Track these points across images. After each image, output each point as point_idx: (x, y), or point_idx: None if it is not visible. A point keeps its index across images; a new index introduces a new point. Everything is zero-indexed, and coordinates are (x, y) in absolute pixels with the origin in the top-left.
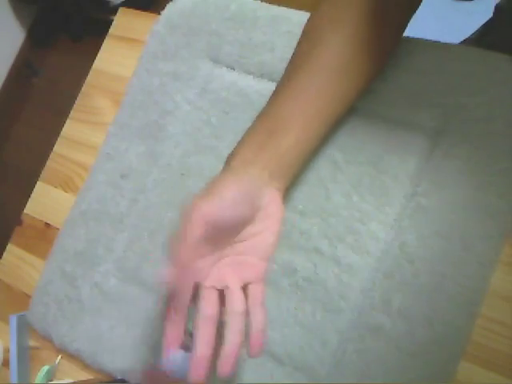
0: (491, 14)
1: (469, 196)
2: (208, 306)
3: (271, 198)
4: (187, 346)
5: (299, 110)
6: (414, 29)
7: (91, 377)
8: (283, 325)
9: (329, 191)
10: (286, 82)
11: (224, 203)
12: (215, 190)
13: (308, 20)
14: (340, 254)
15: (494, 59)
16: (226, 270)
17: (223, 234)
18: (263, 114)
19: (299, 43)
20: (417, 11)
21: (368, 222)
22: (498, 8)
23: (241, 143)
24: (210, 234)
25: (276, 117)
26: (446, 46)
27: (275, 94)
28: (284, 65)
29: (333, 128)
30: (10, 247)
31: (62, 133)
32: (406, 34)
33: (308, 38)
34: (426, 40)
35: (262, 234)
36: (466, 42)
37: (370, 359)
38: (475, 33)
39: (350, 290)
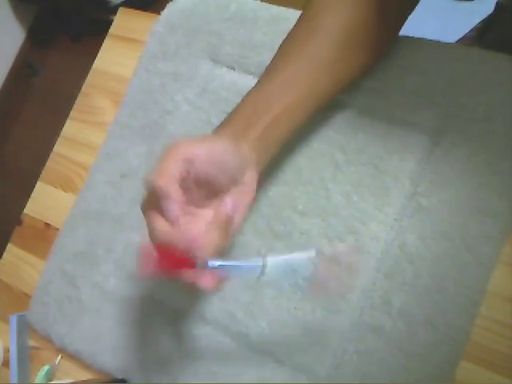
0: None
1: (469, 196)
2: None
3: (251, 174)
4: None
5: (289, 84)
6: (414, 29)
7: (91, 377)
8: (283, 325)
9: (329, 191)
10: (279, 60)
11: (203, 150)
12: (197, 138)
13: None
14: None
15: (493, 59)
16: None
17: (199, 187)
18: (253, 88)
19: (296, 25)
20: (417, 11)
21: (368, 221)
22: (498, 5)
23: (228, 117)
24: (186, 177)
25: (264, 91)
26: (446, 46)
27: (267, 70)
28: None
29: (321, 109)
30: (10, 247)
31: (62, 133)
32: (406, 33)
33: (306, 19)
34: (426, 40)
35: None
36: (466, 39)
37: (371, 359)
38: (475, 30)
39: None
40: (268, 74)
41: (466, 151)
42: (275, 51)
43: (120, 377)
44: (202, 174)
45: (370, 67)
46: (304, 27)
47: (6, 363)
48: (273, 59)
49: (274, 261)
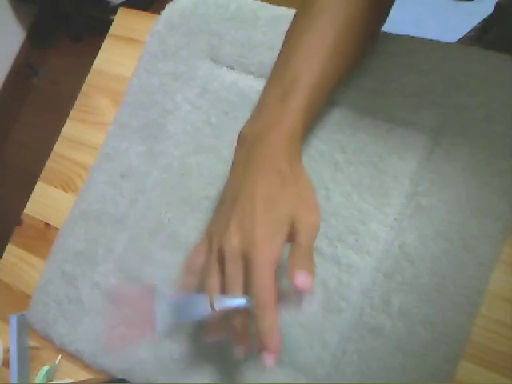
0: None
1: (469, 196)
2: None
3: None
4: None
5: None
6: (414, 29)
7: (91, 377)
8: (283, 325)
9: (329, 191)
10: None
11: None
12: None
13: None
14: (340, 253)
15: (494, 59)
16: None
17: None
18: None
19: (296, 18)
20: (417, 11)
21: (368, 221)
22: (498, 5)
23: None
24: None
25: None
26: (446, 46)
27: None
28: None
29: (331, 95)
30: (10, 247)
31: (62, 133)
32: (406, 33)
33: (305, 13)
34: (426, 40)
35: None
36: (466, 39)
37: (370, 359)
38: (475, 30)
39: (350, 290)
40: (280, 64)
41: (466, 151)
42: (275, 51)
43: (120, 377)
44: None
45: (365, 53)
46: (303, 18)
47: (6, 363)
48: (283, 48)
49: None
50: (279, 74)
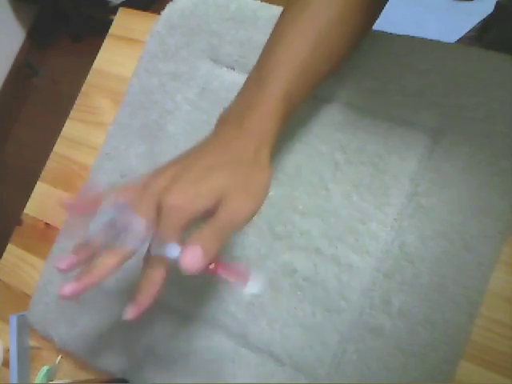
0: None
1: (469, 196)
2: None
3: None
4: None
5: (287, 59)
6: (414, 29)
7: (91, 377)
8: (283, 325)
9: (329, 191)
10: (278, 30)
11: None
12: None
13: None
14: (340, 253)
15: (493, 59)
16: None
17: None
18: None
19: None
20: (417, 11)
21: (368, 221)
22: (498, 5)
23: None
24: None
25: (264, 67)
26: (446, 46)
27: (263, 50)
28: None
29: (317, 87)
30: (9, 247)
31: (62, 133)
32: (406, 33)
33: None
34: (426, 40)
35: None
36: (466, 39)
37: (370, 359)
38: (475, 30)
39: (350, 290)
40: (264, 53)
41: (466, 151)
42: None
43: (120, 377)
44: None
45: (356, 45)
46: (292, 9)
47: (6, 363)
48: (269, 38)
49: None
50: (260, 62)
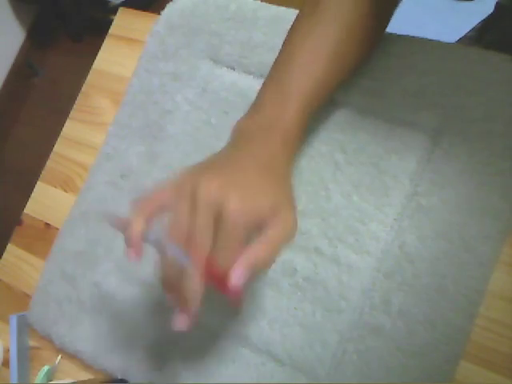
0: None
1: (469, 196)
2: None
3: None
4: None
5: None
6: (414, 29)
7: (91, 377)
8: (283, 325)
9: (329, 191)
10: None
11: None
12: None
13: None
14: (340, 253)
15: (493, 59)
16: None
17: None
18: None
19: (297, 21)
20: (417, 11)
21: (368, 221)
22: (498, 5)
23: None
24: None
25: (283, 82)
26: (446, 46)
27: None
28: None
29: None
30: (10, 247)
31: (61, 133)
32: (406, 33)
33: (307, 14)
34: (426, 40)
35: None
36: (466, 39)
37: (370, 359)
38: (475, 30)
39: (350, 290)
40: (280, 62)
41: (465, 151)
42: (275, 51)
43: (120, 377)
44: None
45: (365, 59)
46: (305, 22)
47: (6, 363)
48: (278, 55)
49: None
50: (279, 75)
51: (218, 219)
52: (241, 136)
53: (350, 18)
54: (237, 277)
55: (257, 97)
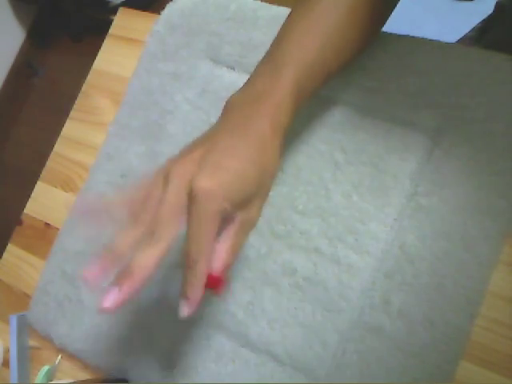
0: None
1: (469, 196)
2: None
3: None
4: None
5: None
6: (414, 29)
7: (91, 377)
8: (283, 325)
9: (329, 191)
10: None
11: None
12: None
13: None
14: (340, 253)
15: (494, 59)
16: None
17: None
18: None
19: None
20: (417, 11)
21: (368, 221)
22: (498, 5)
23: (243, 89)
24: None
25: (277, 59)
26: (446, 46)
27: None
28: None
29: (322, 86)
30: (10, 247)
31: (61, 133)
32: (406, 33)
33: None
34: (426, 40)
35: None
36: (466, 39)
37: (370, 359)
38: (475, 30)
39: (350, 290)
40: (275, 45)
41: (466, 151)
42: None
43: (120, 377)
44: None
45: (368, 44)
46: (306, 1)
47: (6, 363)
48: (278, 33)
49: None
50: (272, 50)
51: (190, 202)
52: (226, 111)
53: (347, 5)
54: (219, 279)
55: (251, 74)
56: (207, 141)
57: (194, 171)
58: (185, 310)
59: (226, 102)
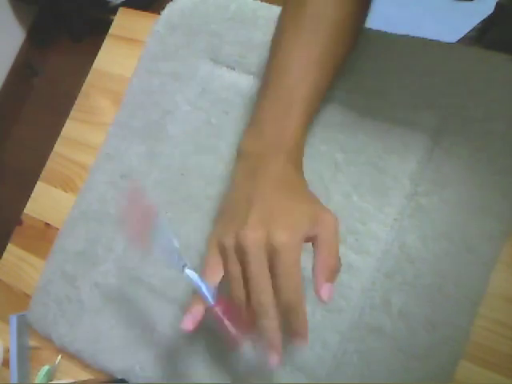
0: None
1: (469, 196)
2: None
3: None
4: None
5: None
6: (414, 29)
7: (91, 377)
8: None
9: (329, 191)
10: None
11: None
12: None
13: None
14: (340, 253)
15: (494, 59)
16: None
17: None
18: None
19: (282, 21)
20: (417, 11)
21: (368, 221)
22: (499, 5)
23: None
24: None
25: (283, 86)
26: (446, 46)
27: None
28: None
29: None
30: (10, 247)
31: (62, 133)
32: (406, 33)
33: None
34: (426, 40)
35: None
36: (466, 39)
37: (371, 360)
38: (475, 30)
39: (351, 290)
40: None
41: (466, 151)
42: None
43: (120, 377)
44: None
45: (349, 55)
46: (292, 25)
47: (6, 363)
48: (269, 60)
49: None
50: (274, 88)
51: (271, 258)
52: (247, 161)
53: (338, 16)
54: (326, 293)
55: (255, 110)
56: (252, 203)
57: (264, 233)
58: (275, 359)
59: (240, 149)
